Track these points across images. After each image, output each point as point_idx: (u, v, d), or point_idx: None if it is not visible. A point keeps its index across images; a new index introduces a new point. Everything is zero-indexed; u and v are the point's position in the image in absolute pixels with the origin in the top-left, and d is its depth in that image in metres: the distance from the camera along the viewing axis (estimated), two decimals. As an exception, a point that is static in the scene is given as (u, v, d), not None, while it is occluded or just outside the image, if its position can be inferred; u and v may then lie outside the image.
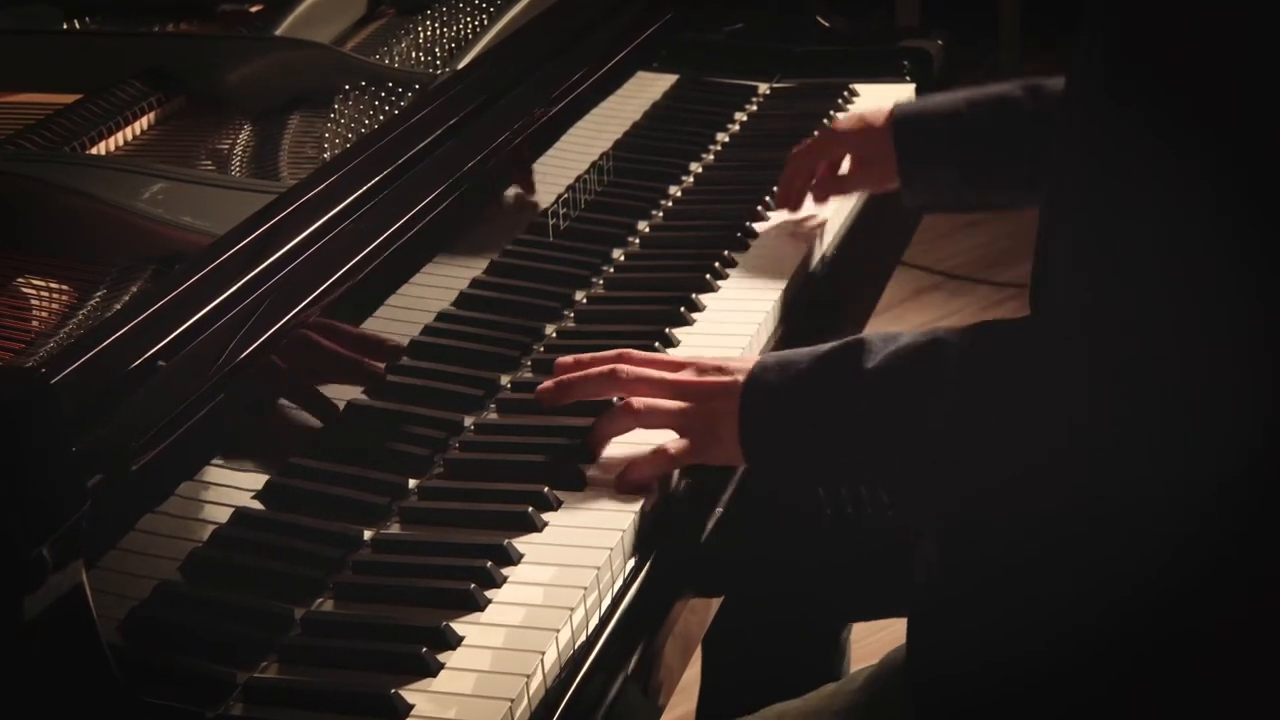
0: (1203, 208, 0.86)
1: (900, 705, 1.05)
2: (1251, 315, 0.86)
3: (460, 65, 1.39)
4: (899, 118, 1.36)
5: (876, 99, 1.64)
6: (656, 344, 1.20)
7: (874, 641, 1.64)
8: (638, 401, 1.04)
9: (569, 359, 1.09)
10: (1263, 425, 0.87)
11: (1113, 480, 0.91)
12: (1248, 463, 0.88)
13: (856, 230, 1.45)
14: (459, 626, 0.91)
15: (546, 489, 1.02)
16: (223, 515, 0.94)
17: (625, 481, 1.03)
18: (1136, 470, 0.90)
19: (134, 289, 1.04)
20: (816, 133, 1.45)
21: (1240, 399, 0.87)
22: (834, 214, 1.43)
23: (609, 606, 0.96)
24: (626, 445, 1.06)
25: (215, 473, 0.94)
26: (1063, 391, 0.91)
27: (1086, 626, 0.95)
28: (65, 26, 1.47)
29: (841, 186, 1.42)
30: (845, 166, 1.42)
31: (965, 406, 0.94)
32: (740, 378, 1.02)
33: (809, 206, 1.42)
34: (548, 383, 1.08)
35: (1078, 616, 0.95)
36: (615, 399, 1.07)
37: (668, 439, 1.04)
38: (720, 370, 1.04)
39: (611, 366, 1.06)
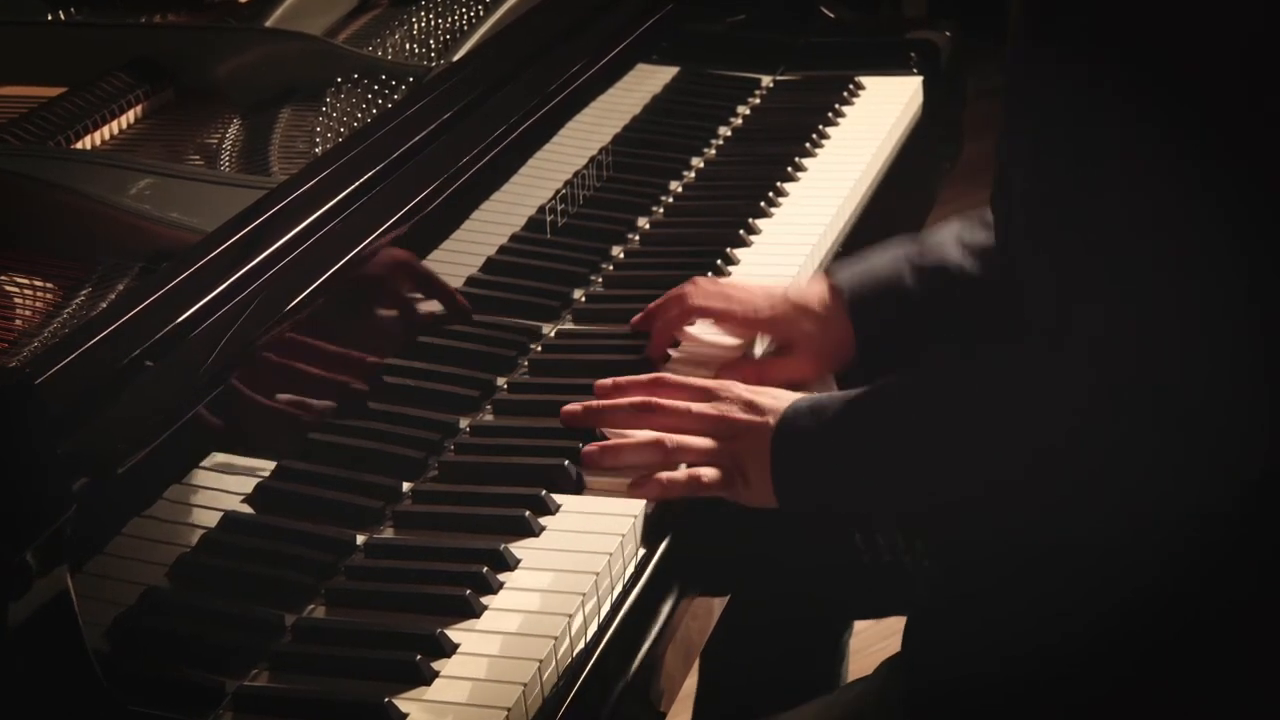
0: (1199, 220, 0.86)
1: (896, 715, 1.04)
2: (1250, 322, 0.86)
3: (455, 57, 1.38)
4: (856, 298, 1.14)
5: (883, 91, 1.63)
6: (657, 343, 1.19)
7: (874, 651, 1.63)
8: (670, 441, 1.04)
9: (609, 382, 1.08)
10: (1265, 428, 0.87)
11: (1123, 489, 0.91)
12: (1251, 467, 0.89)
13: (866, 222, 1.43)
14: (454, 633, 0.90)
15: (544, 493, 1.02)
16: (212, 519, 0.93)
17: (644, 492, 1.02)
18: (1146, 481, 0.91)
19: (120, 287, 1.03)
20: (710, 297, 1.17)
21: (1242, 408, 0.87)
22: (840, 204, 1.41)
23: (608, 613, 0.96)
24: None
25: (204, 476, 0.93)
26: (1075, 416, 0.92)
27: (1088, 626, 0.95)
28: (50, 17, 1.46)
29: (759, 380, 1.10)
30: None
31: (988, 444, 0.95)
32: (771, 419, 1.02)
33: (811, 205, 1.40)
34: (575, 405, 1.07)
35: (1080, 617, 0.95)
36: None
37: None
38: (753, 407, 1.03)
39: (646, 399, 1.06)
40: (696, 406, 1.04)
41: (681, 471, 1.03)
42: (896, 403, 0.98)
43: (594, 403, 1.07)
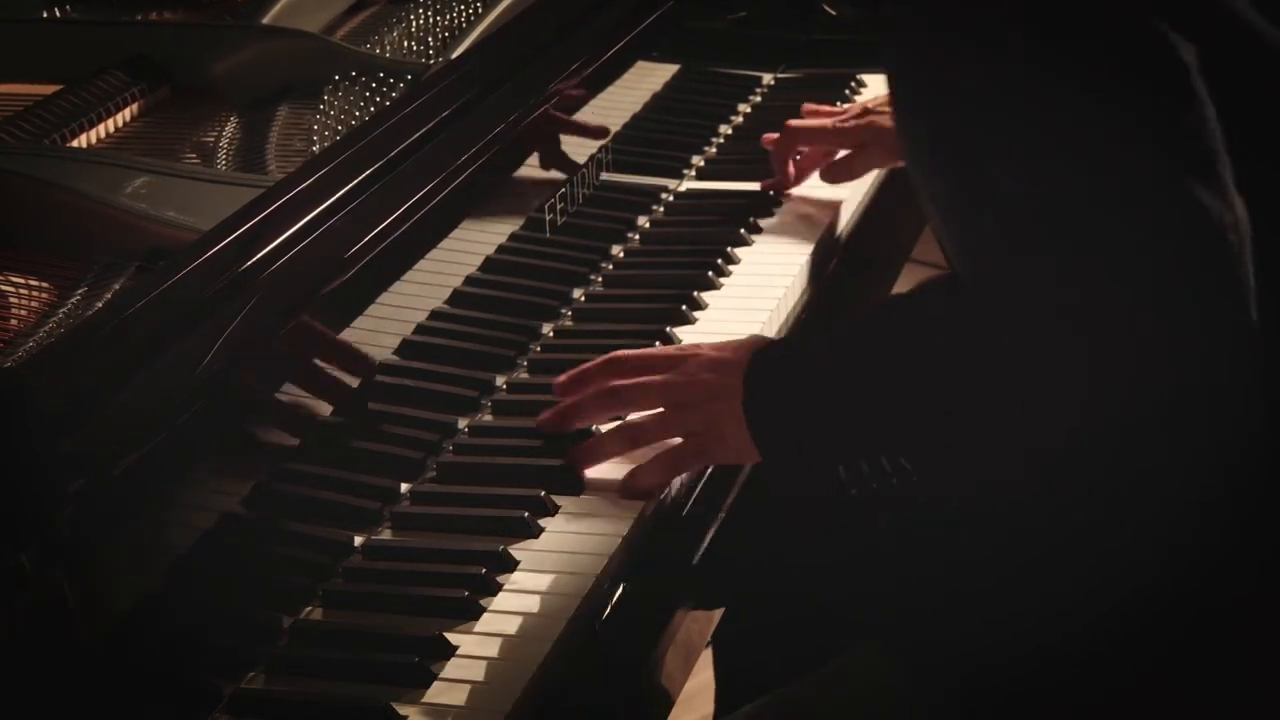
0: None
1: (891, 694, 1.03)
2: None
3: (454, 55, 1.38)
4: None
5: (885, 89, 1.61)
6: (657, 343, 1.19)
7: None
8: (641, 422, 1.03)
9: (564, 379, 1.07)
10: (1267, 398, 0.87)
11: (1124, 457, 0.91)
12: (1255, 439, 0.88)
13: (871, 215, 1.43)
14: (453, 636, 0.90)
15: (543, 494, 1.01)
16: (209, 521, 0.92)
17: (631, 487, 1.01)
18: (1150, 463, 0.90)
19: (117, 286, 1.02)
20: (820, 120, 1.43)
21: (1242, 373, 0.87)
22: (843, 202, 1.41)
23: (608, 615, 0.94)
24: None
25: (201, 476, 0.92)
26: (1075, 392, 0.91)
27: (1088, 627, 0.95)
28: (45, 14, 1.46)
29: (851, 173, 1.41)
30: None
31: (975, 360, 0.93)
32: (739, 371, 1.00)
33: (817, 196, 1.40)
34: (547, 413, 1.06)
35: (1080, 617, 0.95)
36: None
37: (674, 442, 1.03)
38: (718, 364, 1.02)
39: (610, 385, 1.04)
40: (659, 379, 1.03)
41: (652, 460, 1.01)
42: (875, 325, 0.97)
43: (563, 404, 1.06)
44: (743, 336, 1.20)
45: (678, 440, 1.03)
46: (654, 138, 1.48)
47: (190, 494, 0.91)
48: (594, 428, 1.06)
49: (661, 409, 1.03)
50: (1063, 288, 0.89)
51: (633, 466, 1.03)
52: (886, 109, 1.37)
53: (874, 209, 1.46)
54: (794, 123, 1.41)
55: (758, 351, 1.00)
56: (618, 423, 1.05)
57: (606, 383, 1.04)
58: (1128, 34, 0.87)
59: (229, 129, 1.27)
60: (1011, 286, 0.91)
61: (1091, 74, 0.87)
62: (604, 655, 0.92)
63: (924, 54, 0.93)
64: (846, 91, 1.61)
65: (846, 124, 1.39)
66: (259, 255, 0.98)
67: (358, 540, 0.98)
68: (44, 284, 1.04)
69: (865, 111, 1.40)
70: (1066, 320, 0.90)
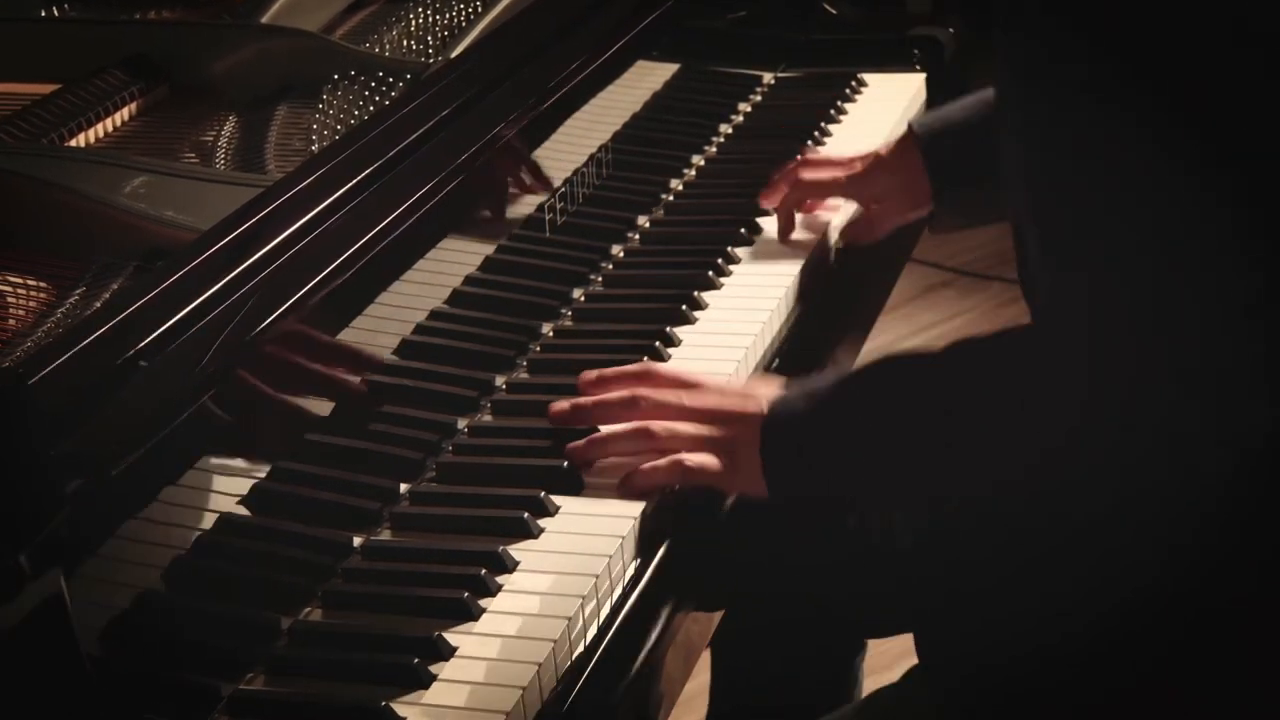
0: (1191, 193, 0.85)
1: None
2: (1251, 293, 0.85)
3: (453, 54, 1.37)
4: (929, 141, 1.30)
5: (885, 89, 1.62)
6: (657, 344, 1.19)
7: (885, 652, 1.61)
8: (658, 426, 1.03)
9: (592, 375, 1.07)
10: (1270, 404, 0.87)
11: (1130, 474, 0.91)
12: (1259, 444, 0.88)
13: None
14: (452, 637, 0.90)
15: (543, 494, 1.01)
16: (207, 521, 0.93)
17: (631, 488, 1.01)
18: (1152, 463, 0.90)
19: (115, 286, 1.02)
20: (822, 173, 1.36)
21: (1245, 380, 0.86)
22: (844, 203, 1.41)
23: (608, 616, 0.95)
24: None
25: (199, 477, 0.92)
26: (1075, 395, 0.91)
27: (1088, 627, 0.95)
28: (43, 13, 1.46)
29: (873, 232, 1.37)
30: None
31: (985, 423, 0.93)
32: (763, 405, 1.00)
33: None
34: (562, 404, 1.06)
35: (1080, 617, 0.95)
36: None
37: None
38: (744, 395, 1.02)
39: (633, 393, 1.04)
40: (686, 396, 1.03)
41: (666, 459, 1.01)
42: (890, 380, 0.96)
43: (581, 400, 1.05)
44: (742, 336, 1.20)
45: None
46: (654, 137, 1.47)
47: (190, 494, 0.91)
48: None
49: (679, 423, 1.03)
50: (1069, 290, 0.89)
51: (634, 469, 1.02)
52: (896, 158, 1.32)
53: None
54: (806, 176, 1.35)
55: (778, 396, 1.00)
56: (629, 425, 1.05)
57: (632, 389, 1.04)
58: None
59: (228, 128, 1.27)
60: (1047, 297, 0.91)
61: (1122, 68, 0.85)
62: (604, 656, 0.92)
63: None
64: (847, 91, 1.61)
65: (858, 174, 1.34)
66: (258, 255, 0.98)
67: (357, 541, 0.98)
68: (42, 283, 1.04)
69: (877, 160, 1.34)
70: (1069, 322, 0.90)
